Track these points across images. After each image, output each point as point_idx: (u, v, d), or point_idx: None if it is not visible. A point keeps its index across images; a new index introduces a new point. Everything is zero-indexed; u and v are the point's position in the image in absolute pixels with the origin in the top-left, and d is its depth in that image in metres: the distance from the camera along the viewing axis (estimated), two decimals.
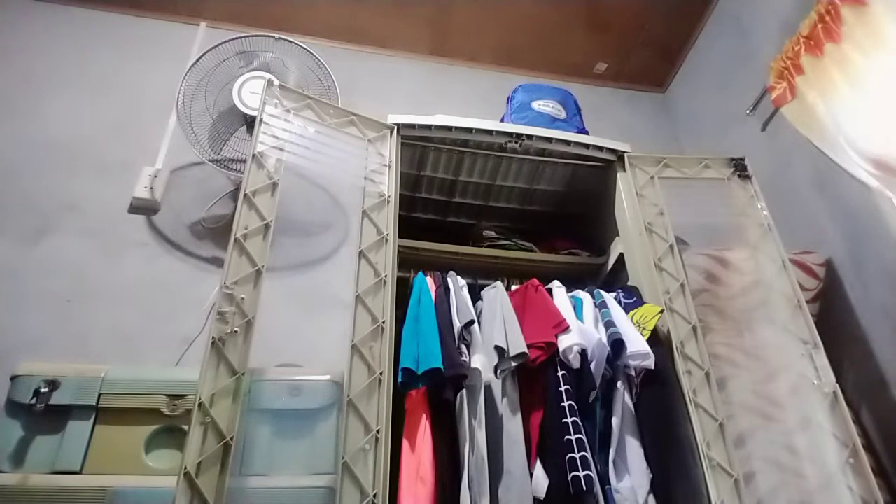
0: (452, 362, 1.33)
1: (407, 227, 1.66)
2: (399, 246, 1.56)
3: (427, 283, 1.56)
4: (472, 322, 1.45)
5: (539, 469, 1.29)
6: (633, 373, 1.46)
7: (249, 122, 2.00)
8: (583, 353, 1.42)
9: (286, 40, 2.03)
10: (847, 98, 1.72)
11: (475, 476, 1.24)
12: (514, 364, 1.39)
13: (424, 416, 1.32)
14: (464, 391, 1.36)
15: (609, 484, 1.31)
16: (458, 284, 1.58)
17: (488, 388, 1.39)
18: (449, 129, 1.77)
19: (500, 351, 1.39)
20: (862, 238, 1.79)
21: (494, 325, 1.46)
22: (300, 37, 2.14)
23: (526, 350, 1.38)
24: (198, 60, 1.98)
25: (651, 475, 1.32)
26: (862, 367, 1.72)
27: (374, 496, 1.17)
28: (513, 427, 1.35)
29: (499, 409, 1.38)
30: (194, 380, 1.19)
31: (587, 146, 1.83)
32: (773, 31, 2.18)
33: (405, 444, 1.30)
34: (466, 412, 1.33)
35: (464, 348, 1.41)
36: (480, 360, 1.38)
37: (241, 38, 2.00)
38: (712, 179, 1.78)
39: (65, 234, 2.00)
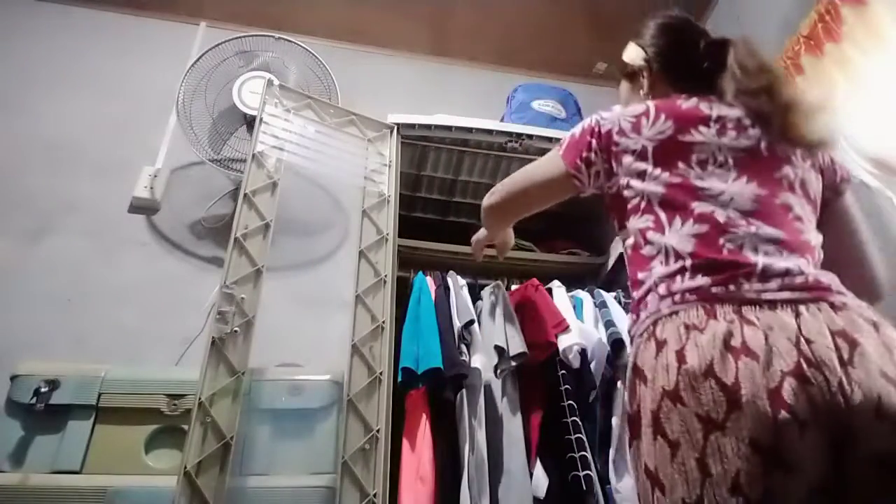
0: (453, 362, 1.33)
1: (407, 226, 1.66)
2: (399, 246, 1.57)
3: (427, 283, 1.56)
4: (472, 322, 1.45)
5: (539, 468, 1.30)
6: None
7: (249, 122, 2.00)
8: (583, 352, 1.42)
9: (286, 40, 2.03)
10: (847, 98, 1.72)
11: (475, 476, 1.24)
12: (514, 364, 1.39)
13: (424, 416, 1.32)
14: (464, 391, 1.36)
15: (609, 483, 1.31)
16: (458, 284, 1.58)
17: (488, 388, 1.39)
18: (449, 128, 1.77)
19: (500, 351, 1.39)
20: None
21: (494, 324, 1.46)
22: (300, 36, 2.14)
23: (526, 350, 1.38)
24: (198, 60, 1.98)
25: None
26: None
27: (374, 496, 1.17)
28: (513, 427, 1.35)
29: (499, 408, 1.38)
30: (194, 380, 1.19)
31: None
32: (773, 31, 2.18)
33: (405, 443, 1.30)
34: (466, 412, 1.33)
35: (464, 348, 1.41)
36: (480, 360, 1.38)
37: (241, 37, 2.00)
38: None
39: (65, 234, 2.00)
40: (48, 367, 1.37)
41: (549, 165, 1.08)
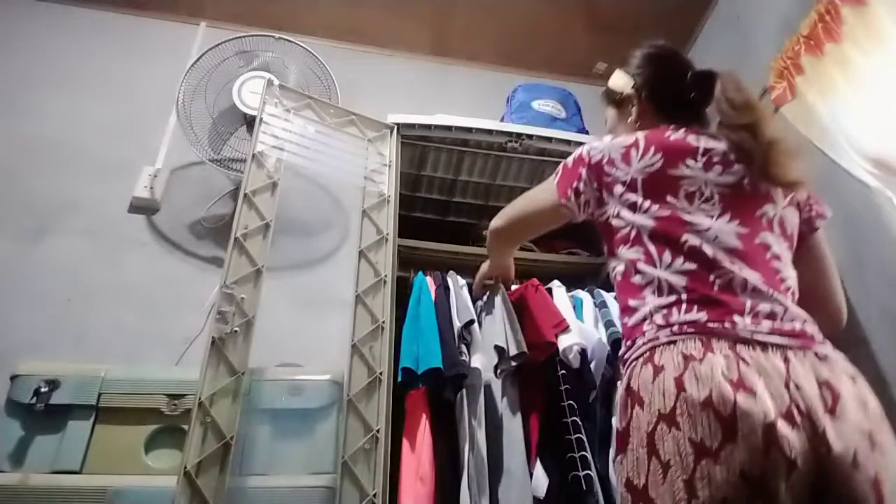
0: (453, 362, 1.33)
1: (407, 226, 1.66)
2: (399, 246, 1.57)
3: (427, 283, 1.56)
4: (471, 322, 1.45)
5: (539, 468, 1.29)
6: None
7: (249, 122, 2.00)
8: (583, 352, 1.42)
9: (286, 40, 2.03)
10: (847, 98, 1.72)
11: (475, 476, 1.24)
12: (514, 364, 1.39)
13: (424, 416, 1.32)
14: (464, 391, 1.36)
15: (609, 483, 1.31)
16: (457, 284, 1.58)
17: (488, 388, 1.39)
18: (449, 128, 1.77)
19: (499, 351, 1.39)
20: (862, 238, 1.79)
21: (494, 324, 1.46)
22: (300, 36, 2.14)
23: (526, 350, 1.38)
24: (198, 60, 1.98)
25: None
26: (862, 367, 1.71)
27: (374, 496, 1.17)
28: (513, 427, 1.35)
29: (499, 408, 1.38)
30: (194, 380, 1.19)
31: None
32: (773, 31, 2.18)
33: (405, 443, 1.30)
34: (466, 412, 1.33)
35: (464, 348, 1.41)
36: (480, 360, 1.38)
37: (241, 37, 2.00)
38: None
39: (65, 234, 2.00)
40: (48, 367, 1.37)
41: (544, 193, 1.12)
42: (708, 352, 0.79)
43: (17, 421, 1.31)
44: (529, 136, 1.81)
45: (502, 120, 2.10)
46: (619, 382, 1.44)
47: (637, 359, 0.86)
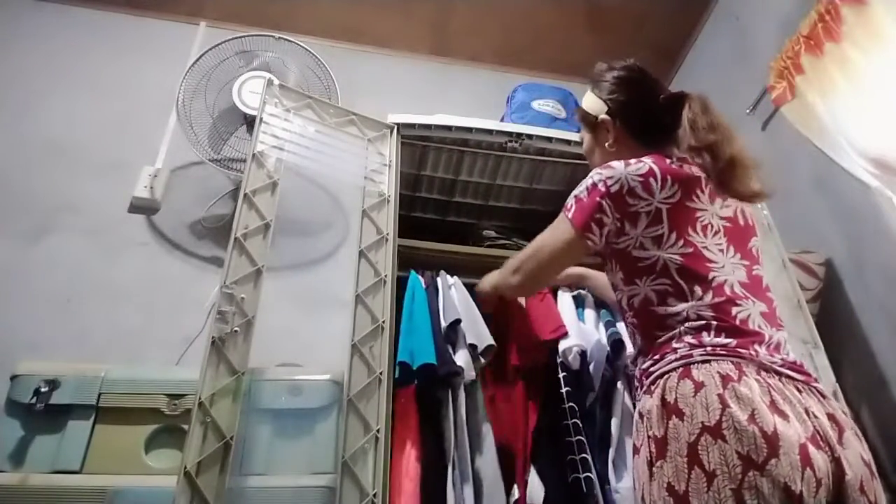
0: (445, 359, 1.35)
1: (407, 226, 1.66)
2: (399, 245, 1.56)
3: (420, 282, 1.57)
4: (458, 321, 1.45)
5: (534, 475, 1.30)
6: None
7: (249, 122, 2.00)
8: (582, 354, 1.42)
9: (286, 40, 2.03)
10: (847, 98, 1.72)
11: (459, 475, 1.26)
12: (484, 361, 1.41)
13: (413, 414, 1.34)
14: (451, 389, 1.37)
15: (608, 484, 1.31)
16: (446, 283, 1.58)
17: (474, 387, 1.40)
18: (449, 128, 1.77)
19: (473, 348, 1.40)
20: (862, 238, 1.79)
21: (471, 322, 1.48)
22: (300, 36, 2.14)
23: (493, 342, 1.41)
24: (198, 60, 1.98)
25: None
26: (862, 367, 1.72)
27: (374, 496, 1.17)
28: (486, 428, 1.36)
29: (480, 409, 1.39)
30: (194, 379, 1.19)
31: None
32: (773, 30, 2.18)
33: (395, 442, 1.31)
34: (454, 411, 1.34)
35: (450, 347, 1.42)
36: (464, 358, 1.39)
37: (241, 37, 2.00)
38: None
39: (64, 233, 2.00)
40: (48, 367, 1.37)
41: (560, 234, 1.08)
42: (742, 375, 0.84)
43: (17, 421, 1.31)
44: (529, 136, 1.81)
45: (502, 120, 2.10)
46: (618, 383, 1.44)
47: (669, 373, 0.89)
